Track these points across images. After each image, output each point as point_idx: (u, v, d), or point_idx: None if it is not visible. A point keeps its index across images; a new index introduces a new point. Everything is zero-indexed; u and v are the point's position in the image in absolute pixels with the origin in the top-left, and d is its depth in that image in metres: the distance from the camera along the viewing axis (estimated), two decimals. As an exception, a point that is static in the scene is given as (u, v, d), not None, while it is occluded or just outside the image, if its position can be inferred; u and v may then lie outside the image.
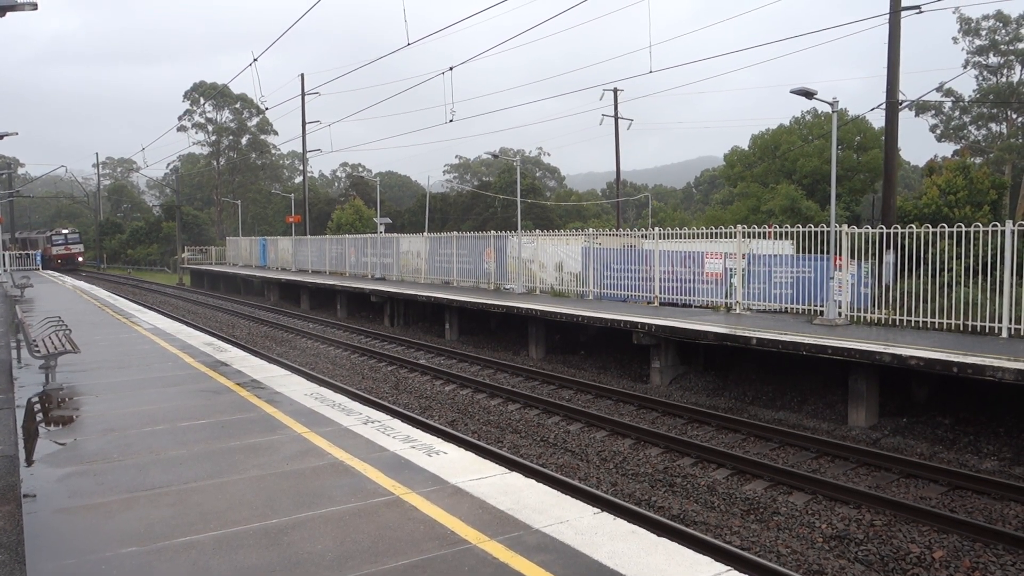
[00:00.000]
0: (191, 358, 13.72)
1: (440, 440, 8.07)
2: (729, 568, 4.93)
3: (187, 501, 6.36)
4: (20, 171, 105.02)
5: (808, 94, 17.08)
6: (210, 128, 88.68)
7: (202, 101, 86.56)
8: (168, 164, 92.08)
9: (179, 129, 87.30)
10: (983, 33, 57.10)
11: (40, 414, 9.60)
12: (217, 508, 6.18)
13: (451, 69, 27.02)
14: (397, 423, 8.86)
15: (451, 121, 30.25)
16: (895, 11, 20.45)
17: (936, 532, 8.44)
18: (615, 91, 46.26)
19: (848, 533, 8.55)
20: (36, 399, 10.40)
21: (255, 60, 30.84)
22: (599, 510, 6.00)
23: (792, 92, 17.30)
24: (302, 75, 50.50)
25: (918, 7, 20.19)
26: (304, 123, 50.06)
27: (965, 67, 57.70)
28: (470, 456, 7.52)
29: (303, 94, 49.93)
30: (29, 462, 7.56)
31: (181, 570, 5.07)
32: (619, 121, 46.44)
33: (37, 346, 11.66)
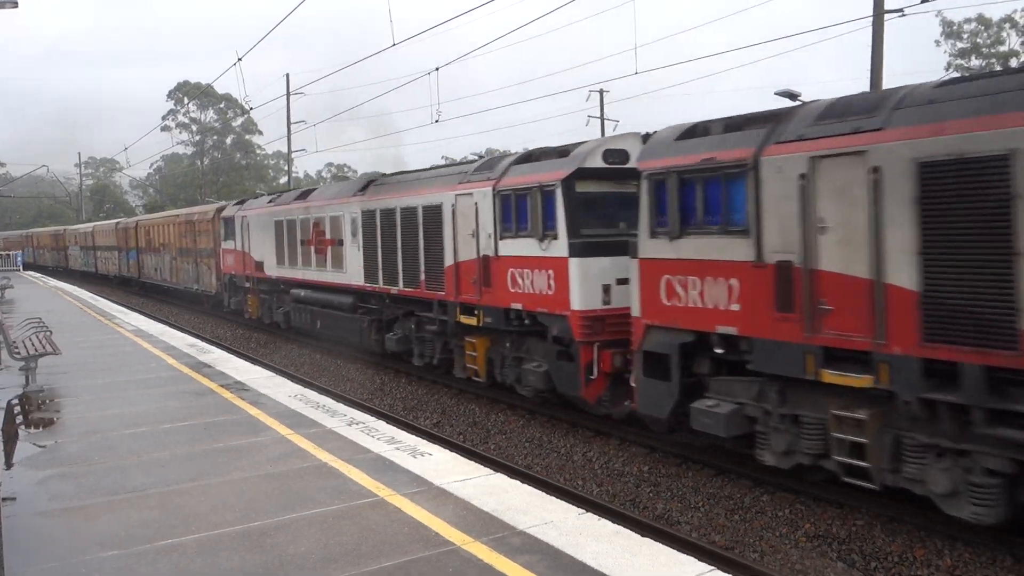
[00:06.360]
0: (174, 359, 13.65)
1: (425, 441, 8.07)
2: (712, 568, 4.95)
3: (169, 504, 6.32)
4: (0, 171, 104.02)
5: (792, 96, 17.21)
6: (194, 128, 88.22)
7: (186, 101, 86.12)
8: (152, 164, 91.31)
9: (163, 129, 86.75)
10: (965, 36, 57.65)
11: (20, 416, 9.51)
12: (200, 511, 6.15)
13: (437, 70, 26.92)
14: (382, 424, 8.84)
15: (437, 121, 30.08)
16: (878, 14, 20.61)
17: (917, 531, 8.50)
18: (601, 92, 46.42)
19: (831, 532, 8.60)
20: (16, 401, 10.31)
21: (239, 60, 30.63)
22: (584, 511, 6.02)
23: (777, 94, 17.43)
24: (287, 75, 50.34)
25: (901, 10, 20.35)
26: (289, 123, 49.89)
27: (947, 69, 58.16)
28: (455, 457, 7.53)
29: (288, 94, 49.76)
30: (8, 465, 7.49)
31: (163, 573, 5.04)
32: (605, 122, 46.61)
33: (17, 348, 11.56)
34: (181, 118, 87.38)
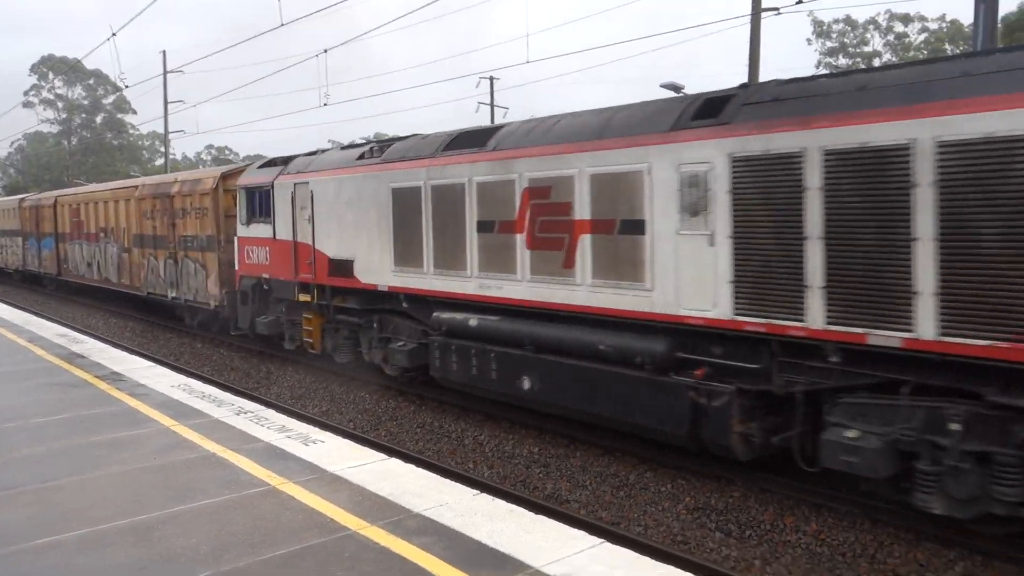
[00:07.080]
0: (43, 350, 12.94)
1: (317, 429, 8.02)
2: (602, 541, 5.19)
3: (47, 500, 6.06)
4: None
5: (676, 88, 17.84)
6: (60, 105, 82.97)
7: (51, 76, 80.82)
8: (12, 143, 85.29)
9: (25, 105, 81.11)
10: (834, 36, 61.03)
11: None
12: (80, 506, 5.93)
13: (326, 51, 26.41)
14: (271, 413, 8.72)
15: (325, 104, 29.48)
16: (756, 12, 21.64)
17: (787, 500, 9.10)
18: (491, 79, 46.64)
19: (709, 505, 9.09)
20: None
21: (114, 35, 29.08)
22: (478, 492, 6.16)
23: (662, 86, 18.05)
24: (163, 52, 48.33)
25: (777, 9, 21.47)
26: (166, 102, 47.75)
27: (818, 67, 61.49)
28: (348, 444, 7.52)
29: (165, 72, 47.58)
30: None
31: (44, 572, 4.85)
32: (495, 109, 46.86)
33: None
34: (46, 94, 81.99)
